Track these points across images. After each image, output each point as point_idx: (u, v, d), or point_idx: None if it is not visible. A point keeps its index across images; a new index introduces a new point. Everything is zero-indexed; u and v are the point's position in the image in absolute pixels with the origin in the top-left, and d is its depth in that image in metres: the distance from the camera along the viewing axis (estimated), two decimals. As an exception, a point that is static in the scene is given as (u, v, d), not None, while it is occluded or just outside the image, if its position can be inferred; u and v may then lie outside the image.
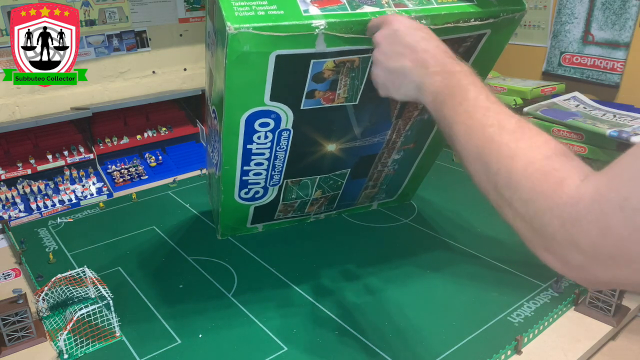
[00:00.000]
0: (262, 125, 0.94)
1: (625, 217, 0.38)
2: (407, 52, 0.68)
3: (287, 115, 0.93)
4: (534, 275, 1.05)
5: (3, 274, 1.14)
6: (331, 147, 1.07)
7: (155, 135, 1.72)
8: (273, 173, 1.07)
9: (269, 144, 0.99)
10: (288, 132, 0.97)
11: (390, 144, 1.13)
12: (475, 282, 1.05)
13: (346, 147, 1.08)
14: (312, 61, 0.83)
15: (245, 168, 1.03)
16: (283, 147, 1.01)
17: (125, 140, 1.66)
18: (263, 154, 1.00)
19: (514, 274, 1.07)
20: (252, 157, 1.01)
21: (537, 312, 0.95)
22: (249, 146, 0.97)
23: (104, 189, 1.53)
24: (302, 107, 0.92)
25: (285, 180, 1.11)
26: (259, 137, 0.96)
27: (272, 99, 0.89)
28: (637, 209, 0.38)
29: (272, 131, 0.96)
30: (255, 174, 1.05)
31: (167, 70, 1.78)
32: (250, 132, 0.94)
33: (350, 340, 0.90)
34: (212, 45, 0.94)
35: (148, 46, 1.71)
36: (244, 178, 1.06)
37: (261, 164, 1.03)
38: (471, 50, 0.93)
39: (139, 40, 1.69)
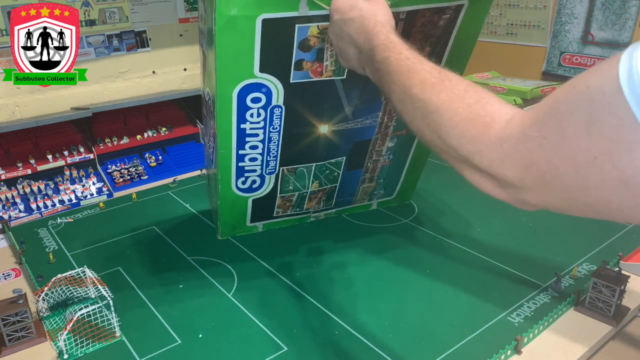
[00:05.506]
0: (254, 100, 0.96)
1: (544, 154, 0.42)
2: (347, 38, 0.74)
3: (277, 90, 0.95)
4: (534, 275, 1.05)
5: (3, 274, 1.14)
6: (324, 129, 1.08)
7: (155, 135, 1.72)
8: (268, 159, 1.08)
9: (262, 123, 1.00)
10: (280, 110, 0.99)
11: (383, 128, 1.14)
12: (475, 282, 1.05)
13: (339, 130, 1.09)
14: (297, 26, 0.86)
15: (241, 152, 1.04)
16: (276, 128, 1.02)
17: (125, 140, 1.66)
18: (257, 135, 1.02)
19: (514, 274, 1.07)
20: (247, 140, 1.02)
21: (537, 312, 0.95)
22: (242, 126, 0.99)
23: (104, 189, 1.53)
24: (291, 81, 0.95)
25: (281, 169, 1.12)
26: (251, 115, 0.98)
27: (262, 70, 0.91)
28: (555, 147, 0.41)
29: (264, 108, 0.98)
30: (250, 159, 1.07)
31: (167, 70, 1.78)
32: (242, 108, 0.96)
33: (350, 340, 0.90)
34: (203, 27, 0.96)
35: (148, 46, 1.71)
36: (240, 164, 1.07)
37: (256, 147, 1.04)
38: (452, 23, 0.97)
39: (139, 40, 1.69)
